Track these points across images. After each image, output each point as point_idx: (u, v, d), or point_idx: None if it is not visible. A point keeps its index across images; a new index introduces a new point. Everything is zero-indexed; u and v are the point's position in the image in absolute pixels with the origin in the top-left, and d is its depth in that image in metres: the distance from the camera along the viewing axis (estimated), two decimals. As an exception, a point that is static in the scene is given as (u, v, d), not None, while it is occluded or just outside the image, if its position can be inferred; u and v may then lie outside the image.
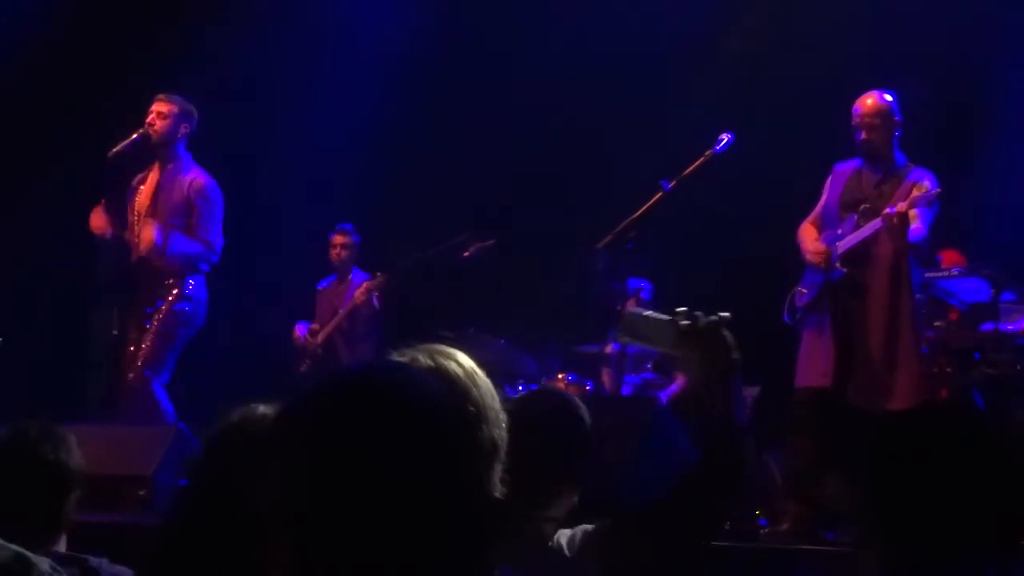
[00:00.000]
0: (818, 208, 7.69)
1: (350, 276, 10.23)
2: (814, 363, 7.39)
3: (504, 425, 2.28)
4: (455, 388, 2.17)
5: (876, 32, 9.95)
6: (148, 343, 8.12)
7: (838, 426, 7.21)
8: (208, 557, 2.28)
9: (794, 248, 7.72)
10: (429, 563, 1.50)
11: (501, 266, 9.81)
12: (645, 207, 7.09)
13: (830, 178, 7.67)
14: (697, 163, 7.20)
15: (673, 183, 7.12)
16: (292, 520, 1.52)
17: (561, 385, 9.60)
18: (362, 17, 11.07)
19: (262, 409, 2.47)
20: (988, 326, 8.23)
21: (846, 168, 7.59)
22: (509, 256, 9.90)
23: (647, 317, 3.15)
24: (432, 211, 10.58)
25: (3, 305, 9.61)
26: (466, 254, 9.70)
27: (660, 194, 7.11)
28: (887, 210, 7.12)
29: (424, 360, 2.29)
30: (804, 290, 7.58)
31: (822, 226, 7.61)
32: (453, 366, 2.25)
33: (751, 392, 9.68)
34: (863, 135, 7.36)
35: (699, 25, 10.33)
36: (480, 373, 2.29)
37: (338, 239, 10.22)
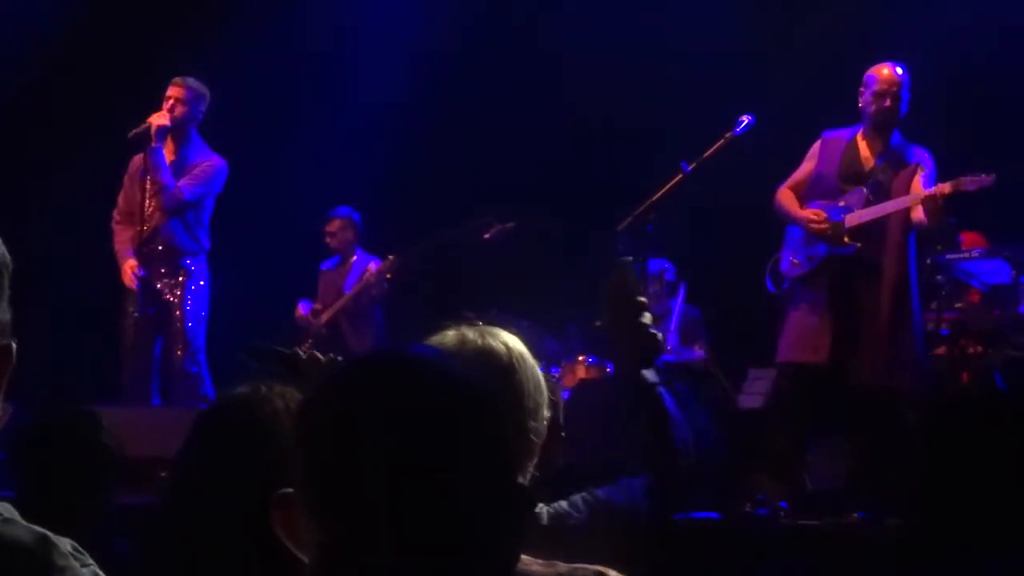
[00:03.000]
0: (800, 175, 7.63)
1: (353, 258, 10.24)
2: (804, 338, 7.33)
3: (545, 418, 2.27)
4: (497, 369, 2.15)
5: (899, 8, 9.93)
6: (178, 350, 8.23)
7: (832, 403, 7.19)
8: (199, 535, 2.28)
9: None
10: (456, 551, 1.51)
11: (522, 248, 9.81)
12: (665, 189, 7.08)
13: (818, 145, 7.61)
14: (717, 145, 7.19)
15: (693, 165, 7.11)
16: (319, 500, 1.53)
17: (582, 367, 9.60)
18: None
19: (241, 391, 2.46)
20: (1009, 307, 8.21)
21: (839, 136, 7.55)
22: (530, 238, 9.89)
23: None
24: (452, 193, 10.58)
25: (29, 290, 9.62)
26: (487, 236, 9.70)
27: (680, 176, 7.10)
28: (928, 191, 7.07)
29: (473, 337, 2.29)
30: (797, 261, 7.52)
31: (808, 195, 7.53)
32: (501, 348, 2.24)
33: (771, 375, 9.68)
34: (887, 103, 7.32)
35: (721, 7, 10.31)
36: (528, 361, 2.27)
37: (329, 227, 10.23)
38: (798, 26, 10.22)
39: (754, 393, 9.56)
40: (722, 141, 7.19)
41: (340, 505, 1.52)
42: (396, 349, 1.64)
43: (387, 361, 1.62)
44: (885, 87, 7.33)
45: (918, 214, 7.15)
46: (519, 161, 10.68)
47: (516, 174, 10.65)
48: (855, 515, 6.81)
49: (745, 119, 7.25)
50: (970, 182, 7.05)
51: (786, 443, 7.25)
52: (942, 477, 2.43)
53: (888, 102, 7.32)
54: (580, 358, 9.67)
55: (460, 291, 9.88)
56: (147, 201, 8.37)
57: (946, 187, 7.04)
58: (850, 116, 7.66)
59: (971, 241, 8.53)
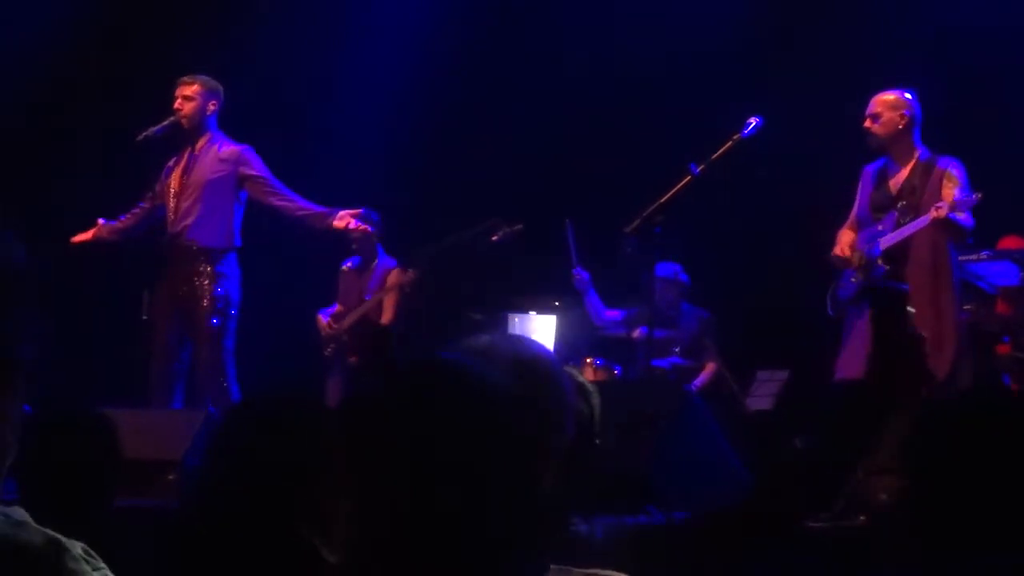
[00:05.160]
0: (853, 212, 7.68)
1: (376, 260, 10.16)
2: (852, 356, 7.39)
3: (566, 430, 2.28)
4: (523, 377, 2.17)
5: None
6: (206, 351, 8.21)
7: (874, 416, 7.21)
8: (224, 538, 2.29)
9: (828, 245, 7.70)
10: (479, 556, 1.54)
11: (530, 250, 9.80)
12: (673, 191, 7.08)
13: (860, 181, 7.66)
14: (725, 147, 7.19)
15: (701, 167, 7.11)
16: (355, 499, 1.59)
17: (589, 370, 9.59)
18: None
19: (275, 394, 2.47)
20: (1018, 309, 8.20)
21: (872, 168, 7.59)
22: (537, 240, 9.89)
23: None
24: (460, 195, 10.58)
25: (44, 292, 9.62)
26: (495, 238, 9.68)
27: (688, 178, 7.10)
28: (937, 206, 7.08)
29: (504, 344, 2.30)
30: (844, 284, 7.57)
31: (859, 229, 7.60)
32: (530, 358, 2.25)
33: (780, 376, 9.69)
34: (866, 122, 7.36)
35: (728, 10, 10.31)
36: (555, 374, 2.28)
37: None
38: (809, 28, 10.21)
39: (762, 395, 9.58)
40: (730, 143, 7.19)
41: (366, 497, 1.58)
42: (429, 355, 1.70)
43: (421, 365, 1.71)
44: (867, 109, 7.38)
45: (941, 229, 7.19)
46: (527, 163, 10.68)
47: (524, 176, 10.65)
48: (860, 517, 6.82)
49: (753, 121, 7.26)
50: (961, 203, 7.08)
51: (845, 458, 7.26)
52: (946, 478, 2.42)
53: (865, 122, 7.38)
54: (587, 360, 9.66)
55: (468, 293, 9.87)
56: (174, 200, 8.35)
57: (943, 209, 7.05)
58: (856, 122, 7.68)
59: (1013, 245, 8.50)
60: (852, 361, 7.39)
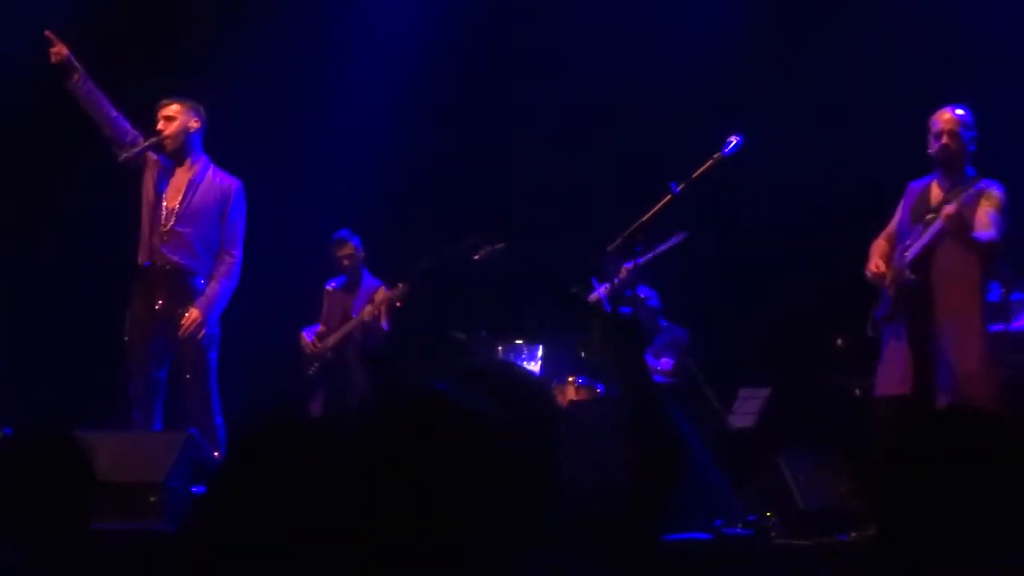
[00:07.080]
0: (891, 225, 7.74)
1: (361, 280, 10.17)
2: (891, 371, 7.45)
3: (552, 453, 2.32)
4: (516, 405, 2.19)
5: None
6: (189, 371, 8.22)
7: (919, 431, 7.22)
8: (226, 565, 2.28)
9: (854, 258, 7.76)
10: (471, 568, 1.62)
11: (512, 268, 9.80)
12: (654, 210, 7.08)
13: (904, 196, 7.73)
14: (706, 166, 7.20)
15: (682, 186, 7.11)
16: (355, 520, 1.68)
17: (571, 388, 9.60)
18: (375, 19, 11.10)
19: (288, 417, 2.46)
20: (999, 326, 8.22)
21: (919, 184, 7.66)
22: (519, 259, 9.89)
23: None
24: (442, 214, 10.58)
25: (22, 309, 9.64)
26: (477, 257, 9.68)
27: (669, 197, 7.10)
28: (946, 207, 7.16)
29: (499, 370, 2.34)
30: (879, 303, 7.63)
31: (896, 241, 7.65)
32: (525, 384, 2.29)
33: (762, 394, 9.69)
34: (944, 140, 7.41)
35: (712, 25, 10.34)
36: (548, 400, 2.32)
37: (343, 251, 10.08)
38: (791, 45, 10.23)
39: (745, 413, 9.58)
40: (711, 162, 7.20)
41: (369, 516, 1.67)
42: (423, 384, 1.79)
43: (416, 394, 1.83)
44: (940, 127, 7.44)
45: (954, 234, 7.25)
46: (509, 182, 10.69)
47: (506, 195, 10.66)
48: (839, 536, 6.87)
49: (734, 139, 7.27)
50: (967, 195, 7.17)
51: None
52: (926, 496, 2.43)
53: (944, 139, 7.43)
54: (570, 379, 9.65)
55: (450, 312, 9.87)
56: (166, 223, 8.31)
57: (951, 207, 7.12)
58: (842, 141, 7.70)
59: None
60: (891, 377, 7.44)
